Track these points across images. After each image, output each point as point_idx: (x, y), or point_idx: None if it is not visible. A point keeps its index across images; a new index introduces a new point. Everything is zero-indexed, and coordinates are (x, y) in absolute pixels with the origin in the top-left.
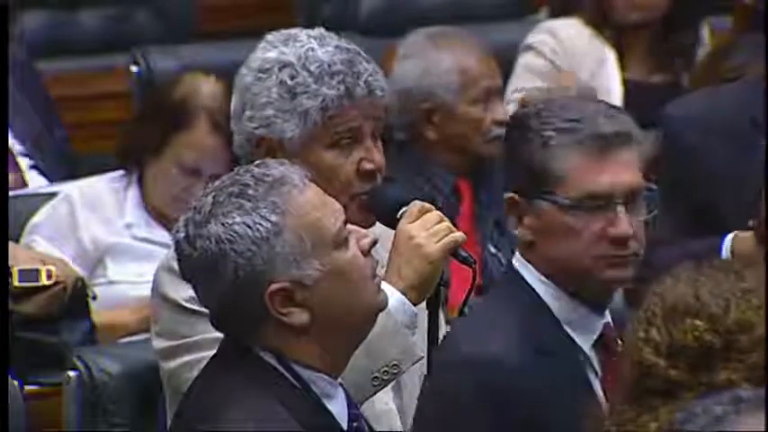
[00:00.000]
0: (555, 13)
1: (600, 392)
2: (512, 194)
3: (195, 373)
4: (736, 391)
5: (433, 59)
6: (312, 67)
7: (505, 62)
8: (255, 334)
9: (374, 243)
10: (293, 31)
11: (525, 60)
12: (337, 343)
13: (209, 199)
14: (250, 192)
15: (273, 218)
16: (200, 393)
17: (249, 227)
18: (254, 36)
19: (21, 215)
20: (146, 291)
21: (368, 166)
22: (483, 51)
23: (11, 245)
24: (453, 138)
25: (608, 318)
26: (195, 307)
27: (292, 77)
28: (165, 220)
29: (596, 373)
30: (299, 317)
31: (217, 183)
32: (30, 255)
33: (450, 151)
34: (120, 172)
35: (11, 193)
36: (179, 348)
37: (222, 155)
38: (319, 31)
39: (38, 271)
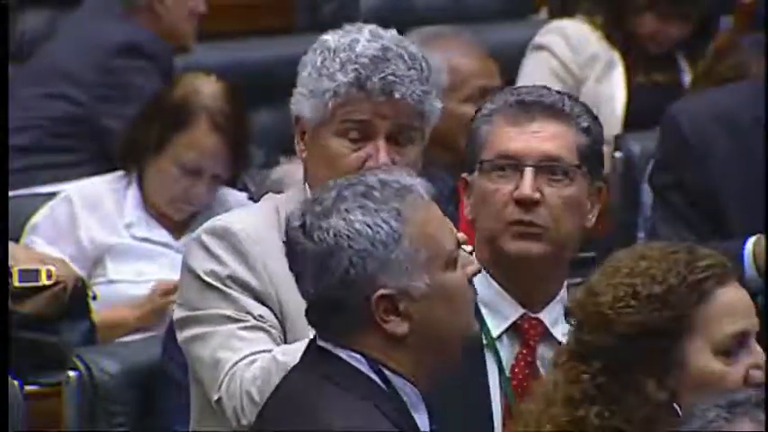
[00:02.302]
0: (555, 13)
1: (494, 379)
2: (463, 175)
3: (200, 346)
4: (733, 394)
5: None
6: (342, 55)
7: (505, 62)
8: (351, 335)
9: (478, 272)
10: (366, 25)
11: (536, 60)
12: (428, 359)
13: (333, 194)
14: (375, 194)
15: (394, 224)
16: (289, 397)
17: (370, 227)
18: (254, 36)
19: (21, 215)
20: (145, 290)
21: (370, 163)
22: (479, 51)
23: (11, 245)
24: (442, 135)
25: (542, 315)
26: (213, 281)
27: (323, 61)
28: (164, 220)
29: (500, 360)
30: (400, 326)
31: (341, 181)
32: (30, 255)
33: (441, 149)
34: (120, 172)
35: (11, 193)
36: (190, 319)
37: (222, 154)
38: (392, 31)
39: (38, 271)
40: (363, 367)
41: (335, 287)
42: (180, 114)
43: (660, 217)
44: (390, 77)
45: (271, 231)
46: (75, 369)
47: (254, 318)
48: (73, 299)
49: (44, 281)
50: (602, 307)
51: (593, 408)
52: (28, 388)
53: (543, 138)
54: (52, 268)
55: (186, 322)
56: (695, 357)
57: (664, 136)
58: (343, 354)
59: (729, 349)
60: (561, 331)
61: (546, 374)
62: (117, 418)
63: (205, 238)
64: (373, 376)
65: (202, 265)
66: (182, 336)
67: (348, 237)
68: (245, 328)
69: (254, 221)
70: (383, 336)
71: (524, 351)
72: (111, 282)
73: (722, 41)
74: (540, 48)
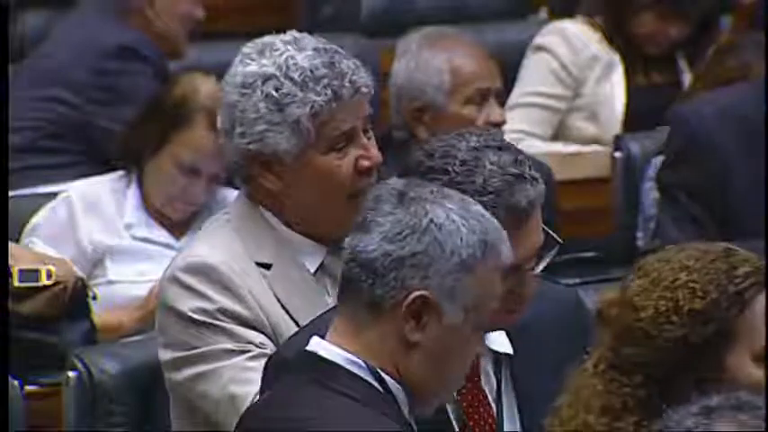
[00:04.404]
0: (555, 14)
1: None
2: None
3: (208, 384)
4: (706, 400)
5: (425, 59)
6: (295, 76)
7: (505, 62)
8: (369, 315)
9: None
10: (266, 39)
11: (536, 61)
12: (429, 388)
13: (431, 186)
14: (473, 208)
15: (478, 253)
16: (283, 406)
17: (461, 239)
18: (254, 36)
19: (21, 215)
20: (144, 291)
21: (365, 163)
22: (480, 52)
23: (11, 245)
24: None
25: None
26: (203, 318)
27: (277, 89)
28: (165, 220)
29: None
30: (413, 334)
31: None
32: (30, 255)
33: None
34: (121, 172)
35: (11, 194)
36: (188, 360)
37: (220, 154)
38: (292, 35)
39: (38, 271)
40: (363, 372)
41: (397, 261)
42: (178, 114)
43: (667, 216)
44: (354, 77)
45: (243, 256)
46: (74, 369)
47: (257, 346)
48: (73, 299)
49: (44, 281)
50: (644, 322)
51: (632, 418)
52: (28, 388)
53: (537, 231)
54: (52, 268)
55: (182, 362)
56: (737, 366)
57: (673, 135)
58: (339, 359)
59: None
60: (495, 341)
61: (579, 376)
62: (116, 418)
63: (183, 276)
64: (370, 380)
65: (187, 303)
66: (178, 376)
67: (440, 228)
68: (252, 358)
69: (225, 251)
70: (395, 333)
71: (469, 371)
72: (112, 283)
73: (722, 42)
74: (541, 48)
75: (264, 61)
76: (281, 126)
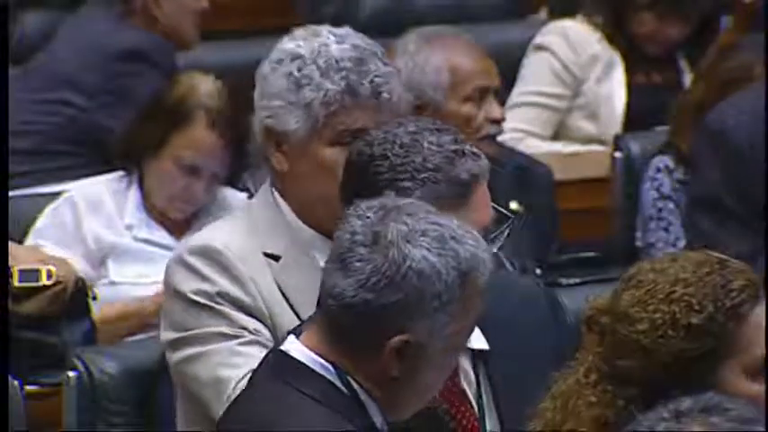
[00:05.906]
0: (555, 13)
1: None
2: None
3: (198, 366)
4: (676, 404)
5: (423, 57)
6: (320, 61)
7: (505, 62)
8: (350, 351)
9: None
10: (321, 27)
11: (536, 60)
12: (403, 404)
13: (409, 221)
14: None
15: (457, 291)
16: (248, 402)
17: (439, 274)
18: (254, 36)
19: (22, 216)
20: (146, 291)
21: None
22: (479, 51)
23: (11, 245)
24: None
25: None
26: (202, 300)
27: (300, 69)
28: (165, 221)
29: None
30: (394, 369)
31: (420, 212)
32: (30, 254)
33: None
34: (121, 173)
35: (11, 194)
36: (182, 341)
37: (220, 153)
38: (346, 29)
39: (38, 271)
40: (330, 375)
41: (377, 309)
42: (178, 113)
43: (707, 215)
44: (378, 79)
45: (252, 245)
46: (74, 369)
47: (250, 332)
48: (73, 299)
49: (44, 281)
50: (639, 335)
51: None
52: (28, 388)
53: (484, 207)
54: (52, 268)
55: (179, 343)
56: (730, 381)
57: (709, 139)
58: (307, 360)
59: (760, 370)
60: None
61: (566, 382)
62: (117, 418)
63: (188, 257)
64: (338, 383)
65: (189, 285)
66: (174, 357)
67: (419, 274)
68: (244, 343)
69: (233, 237)
70: (374, 365)
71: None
72: (113, 283)
73: (723, 42)
74: (541, 48)
75: (302, 43)
76: (294, 106)
